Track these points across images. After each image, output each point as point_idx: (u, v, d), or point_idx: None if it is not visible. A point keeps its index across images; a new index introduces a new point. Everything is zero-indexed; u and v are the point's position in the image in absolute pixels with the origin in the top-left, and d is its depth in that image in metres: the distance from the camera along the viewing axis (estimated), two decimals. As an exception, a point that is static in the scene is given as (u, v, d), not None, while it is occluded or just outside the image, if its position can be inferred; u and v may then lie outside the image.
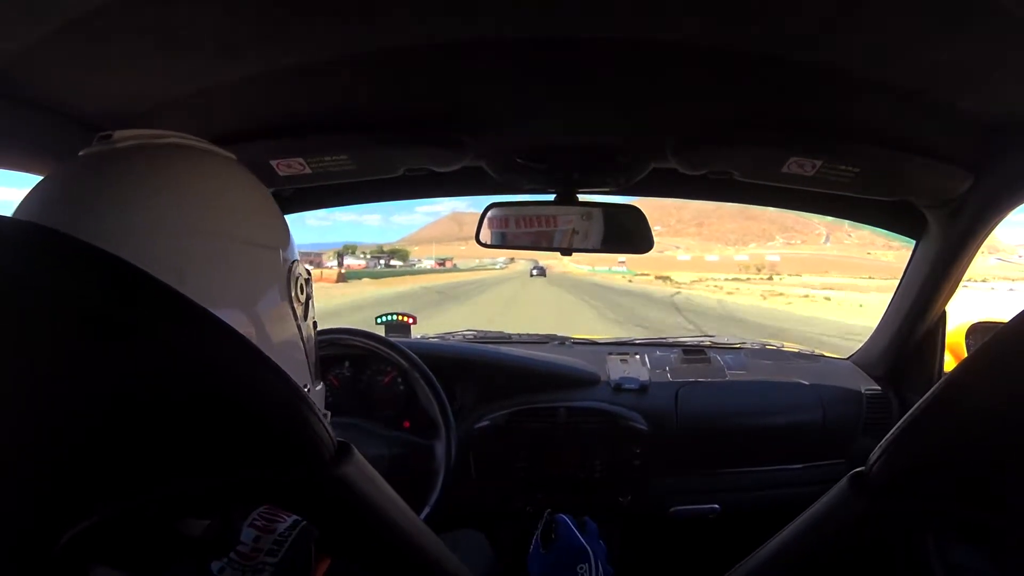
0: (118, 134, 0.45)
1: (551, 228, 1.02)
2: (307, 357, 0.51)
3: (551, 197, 1.04)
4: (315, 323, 0.54)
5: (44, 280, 0.27)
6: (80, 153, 0.45)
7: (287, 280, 0.48)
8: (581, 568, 0.72)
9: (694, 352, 1.40)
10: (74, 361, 0.29)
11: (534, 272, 43.41)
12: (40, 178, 0.45)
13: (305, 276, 0.50)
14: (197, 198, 0.43)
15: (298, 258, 0.50)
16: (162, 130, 0.46)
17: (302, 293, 0.49)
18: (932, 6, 0.57)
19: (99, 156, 0.44)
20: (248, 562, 0.37)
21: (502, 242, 1.06)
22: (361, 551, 0.41)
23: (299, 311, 0.49)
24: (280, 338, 0.47)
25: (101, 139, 0.45)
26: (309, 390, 0.52)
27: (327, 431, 0.36)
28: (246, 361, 0.32)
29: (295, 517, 0.40)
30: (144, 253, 0.38)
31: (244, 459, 0.34)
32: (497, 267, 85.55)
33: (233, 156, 0.49)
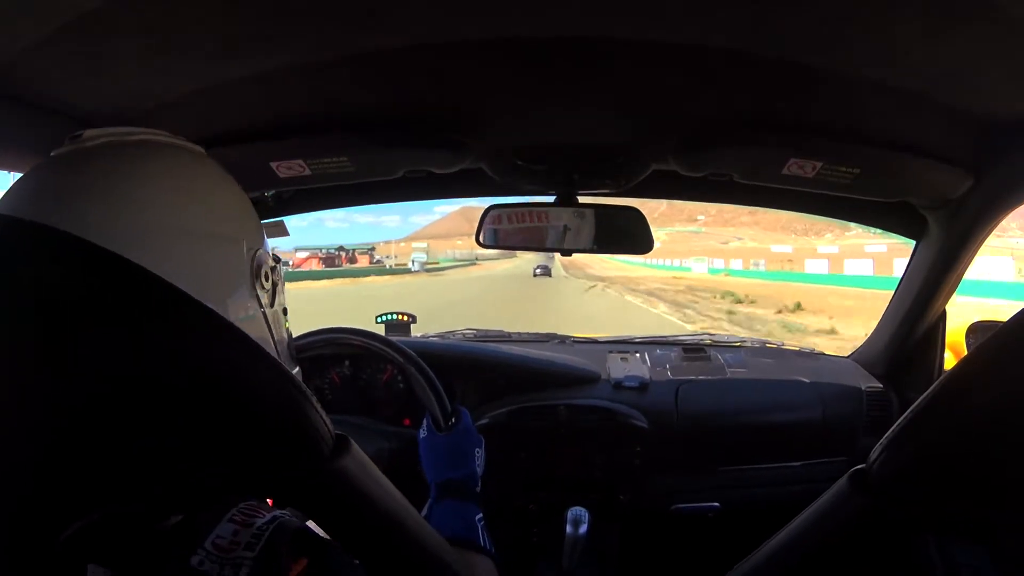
0: (88, 133, 0.45)
1: (544, 224, 1.03)
2: (275, 344, 0.52)
3: (552, 198, 1.04)
4: (284, 308, 0.55)
5: (46, 280, 0.27)
6: (52, 153, 0.46)
7: (250, 268, 0.48)
8: (478, 452, 0.83)
9: (694, 350, 1.40)
10: (66, 356, 0.29)
11: (537, 271, 37.87)
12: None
13: (271, 264, 0.51)
14: (162, 194, 0.44)
15: (265, 245, 0.51)
16: (133, 127, 0.47)
17: (267, 280, 0.50)
18: (932, 7, 0.57)
19: (68, 155, 0.45)
20: (227, 555, 0.37)
21: (495, 242, 1.06)
22: (359, 544, 0.41)
23: (264, 298, 0.50)
24: (245, 325, 0.48)
25: (72, 139, 0.46)
26: None
27: (326, 424, 0.37)
28: (243, 354, 0.33)
29: (274, 512, 0.41)
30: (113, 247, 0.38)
31: (243, 454, 0.34)
32: (414, 267, 47.87)
33: (202, 150, 0.50)
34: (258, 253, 0.49)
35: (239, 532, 0.38)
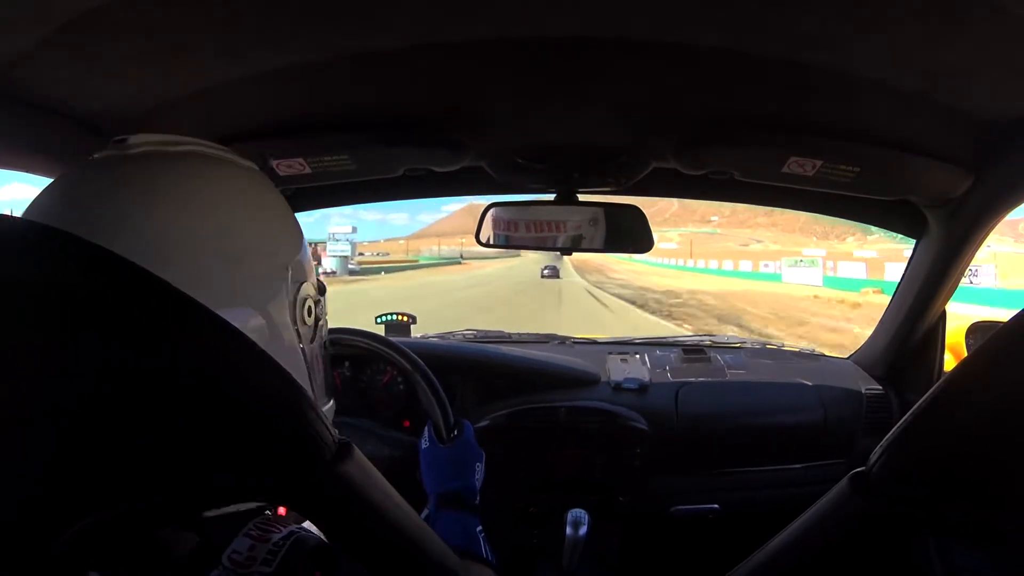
0: (134, 139, 0.44)
1: (553, 224, 1.03)
2: (312, 379, 0.50)
3: (551, 196, 1.04)
4: (325, 343, 0.53)
5: (49, 281, 0.27)
6: (95, 156, 0.44)
7: (293, 302, 0.46)
8: (478, 466, 0.83)
9: (694, 352, 1.40)
10: (67, 358, 0.29)
11: (546, 272, 31.14)
12: (44, 179, 0.45)
13: (315, 298, 0.48)
14: (204, 211, 0.42)
15: (309, 278, 0.48)
16: (180, 136, 0.45)
17: (309, 315, 0.47)
18: (932, 6, 0.57)
19: (112, 161, 0.44)
20: (243, 571, 0.37)
21: (505, 242, 1.06)
22: (362, 549, 0.41)
23: (305, 333, 0.47)
24: (281, 361, 0.46)
25: (116, 143, 0.44)
26: None
27: (328, 429, 0.36)
28: (248, 360, 0.32)
29: (290, 527, 0.41)
30: (140, 262, 0.37)
31: (245, 457, 0.34)
32: (329, 267, 36.45)
33: (254, 165, 0.48)
34: (302, 286, 0.47)
35: (256, 547, 0.39)
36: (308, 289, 0.48)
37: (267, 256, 0.45)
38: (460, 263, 57.98)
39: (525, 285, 23.29)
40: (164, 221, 0.40)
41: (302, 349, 0.47)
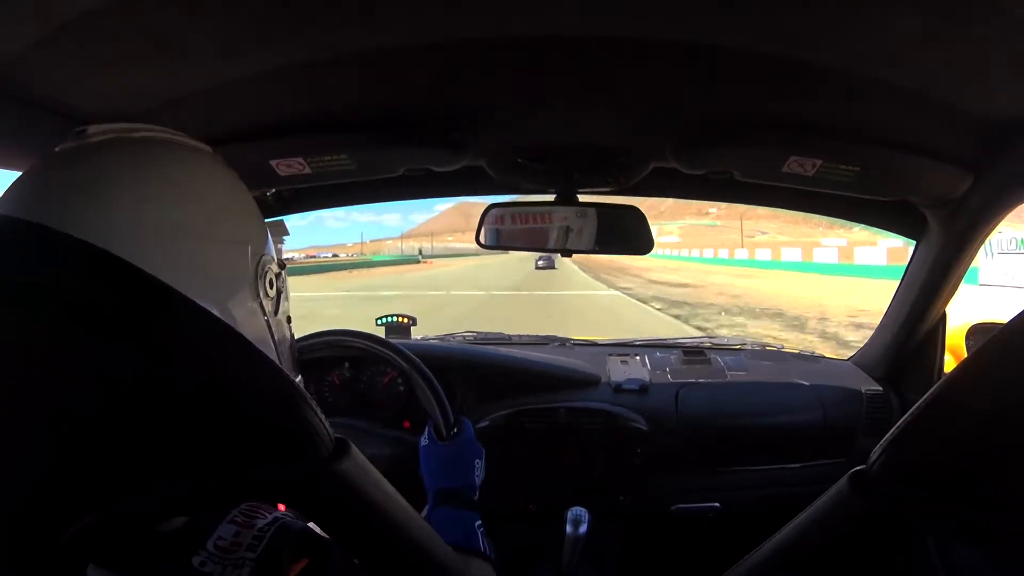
0: (92, 128, 0.45)
1: (546, 224, 1.03)
2: (278, 352, 0.51)
3: (551, 197, 1.04)
4: (288, 317, 0.55)
5: (38, 277, 0.27)
6: (55, 148, 0.45)
7: (255, 276, 0.48)
8: (477, 463, 0.84)
9: (694, 353, 1.40)
10: (70, 359, 0.29)
11: (540, 263, 31.11)
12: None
13: (276, 271, 0.50)
14: (168, 194, 0.43)
15: (270, 252, 0.50)
16: (138, 123, 0.46)
17: (271, 288, 0.49)
18: (932, 6, 0.57)
19: (72, 151, 0.44)
20: (228, 556, 0.37)
21: (497, 243, 1.06)
22: (359, 547, 0.41)
23: (268, 306, 0.49)
24: (249, 334, 0.47)
25: (76, 134, 0.45)
26: None
27: (325, 427, 0.36)
28: (243, 357, 0.32)
29: (275, 514, 0.41)
30: (111, 248, 0.38)
31: (242, 456, 0.34)
32: None
33: (209, 148, 0.49)
34: (263, 259, 0.48)
35: (241, 533, 0.39)
36: (268, 262, 0.49)
37: (229, 233, 0.46)
38: (419, 262, 51.21)
39: (478, 303, 13.47)
40: (130, 204, 0.41)
41: (267, 322, 0.49)
